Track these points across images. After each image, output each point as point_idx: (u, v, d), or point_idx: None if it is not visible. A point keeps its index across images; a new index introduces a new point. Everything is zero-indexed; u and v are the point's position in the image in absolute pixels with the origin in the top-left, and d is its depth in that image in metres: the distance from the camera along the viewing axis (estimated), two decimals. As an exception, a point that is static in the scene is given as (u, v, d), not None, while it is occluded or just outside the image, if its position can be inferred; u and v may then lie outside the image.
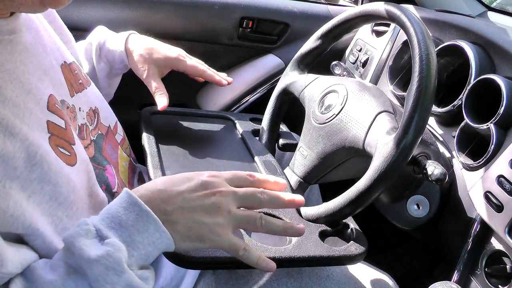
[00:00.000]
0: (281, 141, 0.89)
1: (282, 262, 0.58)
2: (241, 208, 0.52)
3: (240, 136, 0.89)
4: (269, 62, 1.19)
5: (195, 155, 0.78)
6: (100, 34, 0.83)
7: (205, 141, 0.84)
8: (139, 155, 0.79)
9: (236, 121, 0.93)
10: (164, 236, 0.47)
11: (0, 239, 0.42)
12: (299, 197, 0.54)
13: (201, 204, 0.49)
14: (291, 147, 0.87)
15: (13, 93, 0.48)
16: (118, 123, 0.76)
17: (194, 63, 0.82)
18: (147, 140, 0.78)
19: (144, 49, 0.79)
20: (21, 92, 0.49)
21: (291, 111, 0.90)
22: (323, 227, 0.66)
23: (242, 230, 0.61)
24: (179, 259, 0.54)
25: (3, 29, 0.49)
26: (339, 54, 1.20)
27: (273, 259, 0.57)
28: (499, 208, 0.64)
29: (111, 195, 0.63)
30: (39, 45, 0.56)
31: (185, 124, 0.89)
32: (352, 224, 0.68)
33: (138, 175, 0.79)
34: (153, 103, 0.94)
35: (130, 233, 0.45)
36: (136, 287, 0.45)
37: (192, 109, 0.96)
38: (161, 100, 0.77)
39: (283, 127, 0.96)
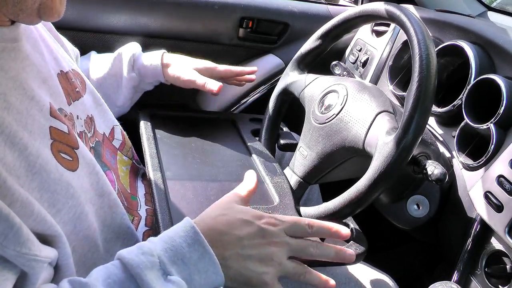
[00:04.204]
0: (281, 141, 0.89)
1: None
2: (291, 259, 0.54)
3: (240, 136, 0.89)
4: (269, 62, 1.19)
5: (195, 155, 0.78)
6: (133, 49, 0.88)
7: (205, 142, 0.84)
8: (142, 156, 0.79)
9: (236, 121, 0.93)
10: (219, 279, 0.49)
11: (19, 222, 0.43)
12: (350, 254, 0.56)
13: (257, 253, 0.52)
14: (291, 147, 0.87)
15: (16, 100, 0.48)
16: (116, 128, 0.76)
17: (226, 67, 0.88)
18: (146, 141, 0.78)
19: (179, 61, 0.88)
20: (24, 99, 0.49)
21: (291, 111, 0.89)
22: None
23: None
24: None
25: (6, 36, 0.49)
26: (339, 54, 1.20)
27: None
28: (499, 208, 0.64)
29: None
30: (38, 54, 0.56)
31: (185, 124, 0.89)
32: (352, 224, 0.68)
33: (141, 177, 0.79)
34: (152, 103, 0.94)
35: (190, 272, 0.48)
36: None
37: (192, 110, 0.96)
38: (214, 85, 0.83)
39: (283, 127, 0.96)
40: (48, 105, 0.53)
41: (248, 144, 0.85)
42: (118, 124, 0.77)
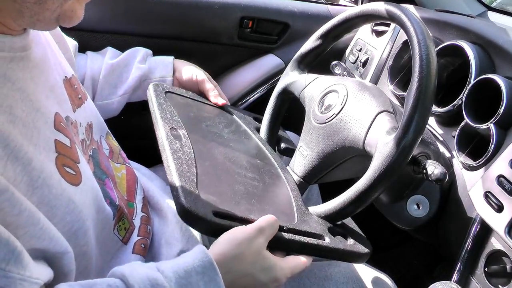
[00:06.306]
0: (282, 145, 0.88)
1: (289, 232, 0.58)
2: None
3: (250, 131, 0.87)
4: (269, 62, 1.19)
5: (208, 139, 0.74)
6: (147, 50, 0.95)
7: (210, 131, 0.78)
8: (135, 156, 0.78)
9: (239, 119, 0.90)
10: None
11: (20, 245, 0.42)
12: None
13: None
14: (290, 152, 0.87)
15: (23, 112, 0.47)
16: (102, 138, 0.73)
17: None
18: (155, 99, 0.73)
19: (189, 64, 0.93)
20: (31, 111, 0.49)
21: (291, 111, 0.89)
22: (330, 224, 0.65)
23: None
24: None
25: (15, 46, 0.49)
26: (339, 54, 1.20)
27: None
28: (499, 208, 0.64)
29: (115, 208, 0.63)
30: (46, 61, 0.56)
31: (200, 108, 0.83)
32: (355, 228, 0.67)
33: (138, 179, 0.78)
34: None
35: None
36: None
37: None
38: (219, 100, 0.87)
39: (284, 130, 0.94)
40: (52, 117, 0.52)
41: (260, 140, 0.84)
42: (105, 132, 0.75)
